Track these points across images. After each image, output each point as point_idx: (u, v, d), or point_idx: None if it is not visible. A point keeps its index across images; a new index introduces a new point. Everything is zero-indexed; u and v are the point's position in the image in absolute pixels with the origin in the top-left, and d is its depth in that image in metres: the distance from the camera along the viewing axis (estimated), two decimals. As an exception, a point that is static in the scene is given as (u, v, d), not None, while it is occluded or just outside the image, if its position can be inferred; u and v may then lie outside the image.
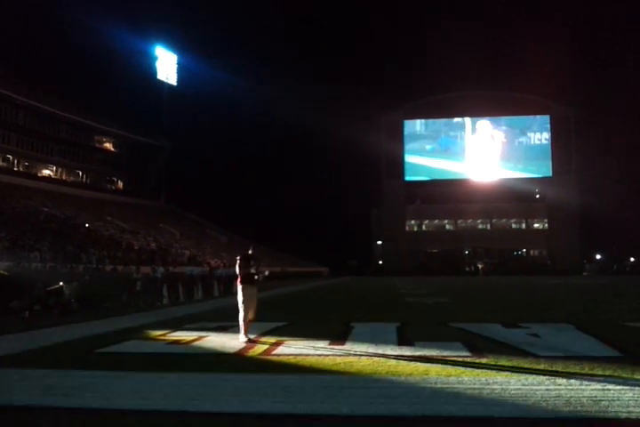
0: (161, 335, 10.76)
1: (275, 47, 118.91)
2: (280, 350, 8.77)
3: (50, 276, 18.98)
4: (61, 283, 17.40)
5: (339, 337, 10.02)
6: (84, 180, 68.12)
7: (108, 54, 72.60)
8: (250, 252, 10.67)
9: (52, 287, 16.87)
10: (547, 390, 5.76)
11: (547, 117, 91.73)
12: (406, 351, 8.38)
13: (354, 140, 79.12)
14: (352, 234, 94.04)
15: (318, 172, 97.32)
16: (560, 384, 6.02)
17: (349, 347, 8.99)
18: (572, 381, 6.19)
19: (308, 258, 77.45)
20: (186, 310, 17.68)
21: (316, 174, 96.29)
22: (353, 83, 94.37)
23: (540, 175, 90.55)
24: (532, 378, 6.36)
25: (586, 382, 6.11)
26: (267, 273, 42.97)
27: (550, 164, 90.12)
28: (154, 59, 76.25)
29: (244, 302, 9.97)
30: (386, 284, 43.13)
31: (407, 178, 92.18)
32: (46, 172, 62.93)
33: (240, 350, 8.84)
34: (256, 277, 10.37)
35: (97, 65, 74.79)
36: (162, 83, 77.52)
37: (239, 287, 10.13)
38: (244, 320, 9.89)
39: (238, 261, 10.32)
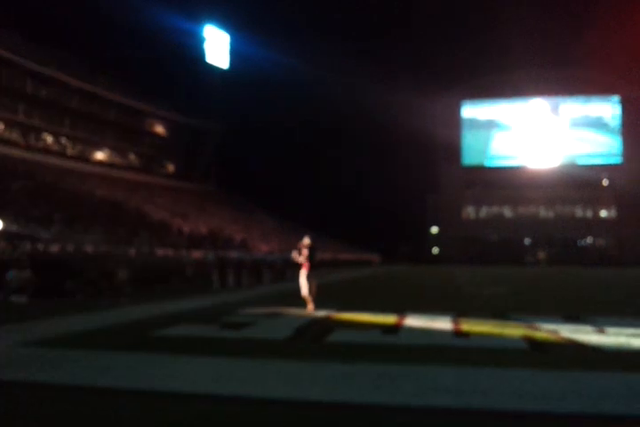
0: (212, 319, 10.78)
1: (330, 28, 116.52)
2: (331, 337, 8.66)
3: (103, 259, 19.30)
4: (114, 266, 17.70)
5: (391, 326, 9.88)
6: (135, 163, 69.12)
7: (158, 36, 72.47)
8: (306, 241, 12.13)
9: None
10: (611, 386, 5.49)
11: (616, 97, 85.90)
12: (461, 343, 8.20)
13: (410, 123, 76.80)
14: (406, 220, 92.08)
15: (372, 156, 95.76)
16: (628, 380, 5.77)
17: (403, 336, 8.86)
18: (640, 377, 5.93)
19: (360, 245, 76.60)
20: (236, 295, 17.80)
21: (369, 159, 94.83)
22: (409, 64, 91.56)
23: (609, 160, 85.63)
24: (596, 373, 6.11)
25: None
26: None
27: (620, 147, 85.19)
28: (204, 39, 76.15)
29: (307, 281, 11.95)
30: (441, 272, 42.65)
31: (465, 162, 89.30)
32: (99, 155, 64.04)
33: (291, 336, 8.80)
34: (313, 262, 12.17)
35: (147, 47, 75.01)
36: (212, 64, 77.44)
37: (302, 271, 12.06)
38: (308, 295, 11.96)
39: (297, 250, 12.16)
